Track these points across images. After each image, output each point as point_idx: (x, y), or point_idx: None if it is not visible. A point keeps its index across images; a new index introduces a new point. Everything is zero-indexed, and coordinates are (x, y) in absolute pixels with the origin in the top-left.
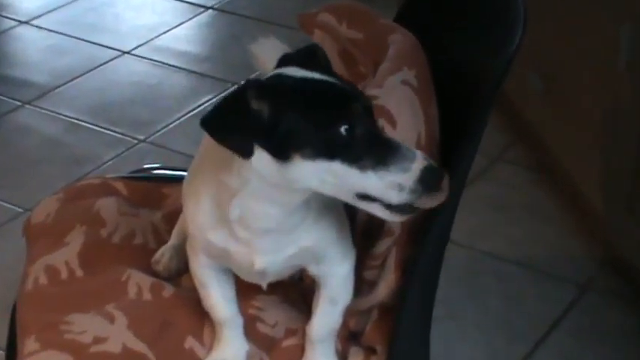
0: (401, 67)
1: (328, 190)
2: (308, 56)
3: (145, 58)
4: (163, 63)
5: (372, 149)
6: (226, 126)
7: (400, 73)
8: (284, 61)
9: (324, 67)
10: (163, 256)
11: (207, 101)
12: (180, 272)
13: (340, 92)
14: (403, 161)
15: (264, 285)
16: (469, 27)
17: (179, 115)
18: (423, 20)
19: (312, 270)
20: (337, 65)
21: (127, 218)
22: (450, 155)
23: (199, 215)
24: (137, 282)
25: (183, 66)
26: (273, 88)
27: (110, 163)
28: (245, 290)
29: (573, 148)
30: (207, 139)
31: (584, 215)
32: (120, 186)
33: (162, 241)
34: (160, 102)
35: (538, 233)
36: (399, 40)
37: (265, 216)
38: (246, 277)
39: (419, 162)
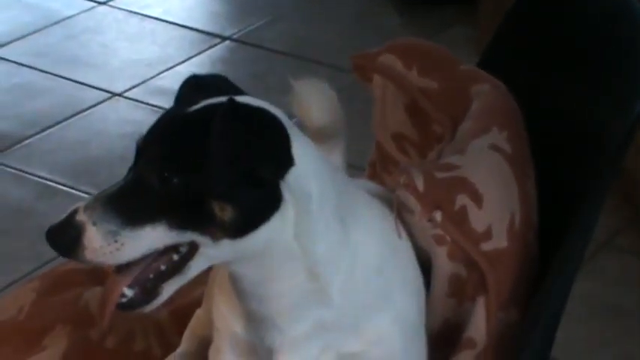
0: (489, 128)
1: None
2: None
3: (141, 102)
4: (165, 109)
5: None
6: None
7: (488, 135)
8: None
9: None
10: None
11: None
12: None
13: None
14: None
15: None
16: (579, 75)
17: None
18: (516, 67)
19: None
20: (404, 122)
21: (125, 315)
22: (552, 245)
23: (223, 302)
24: None
25: None
26: None
27: None
28: None
29: None
30: None
31: None
32: None
33: (169, 346)
34: None
35: None
36: (487, 91)
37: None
38: None
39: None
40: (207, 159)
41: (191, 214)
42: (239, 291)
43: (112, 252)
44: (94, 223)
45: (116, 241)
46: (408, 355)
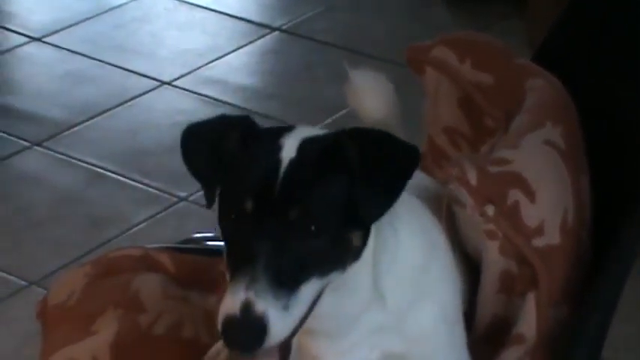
0: (543, 123)
1: None
2: None
3: (190, 91)
4: (214, 99)
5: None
6: None
7: (542, 130)
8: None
9: None
10: (219, 355)
11: None
12: None
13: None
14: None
15: None
16: (634, 72)
17: None
18: (572, 61)
19: None
20: (456, 116)
21: (174, 303)
22: (605, 243)
23: None
24: None
25: (240, 104)
26: None
27: (141, 226)
28: None
29: None
30: None
31: None
32: (165, 260)
33: (217, 335)
34: None
35: None
36: (541, 86)
37: None
38: None
39: (230, 301)
40: (362, 193)
41: (335, 255)
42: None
43: (287, 325)
44: (273, 307)
45: (289, 314)
46: (450, 351)
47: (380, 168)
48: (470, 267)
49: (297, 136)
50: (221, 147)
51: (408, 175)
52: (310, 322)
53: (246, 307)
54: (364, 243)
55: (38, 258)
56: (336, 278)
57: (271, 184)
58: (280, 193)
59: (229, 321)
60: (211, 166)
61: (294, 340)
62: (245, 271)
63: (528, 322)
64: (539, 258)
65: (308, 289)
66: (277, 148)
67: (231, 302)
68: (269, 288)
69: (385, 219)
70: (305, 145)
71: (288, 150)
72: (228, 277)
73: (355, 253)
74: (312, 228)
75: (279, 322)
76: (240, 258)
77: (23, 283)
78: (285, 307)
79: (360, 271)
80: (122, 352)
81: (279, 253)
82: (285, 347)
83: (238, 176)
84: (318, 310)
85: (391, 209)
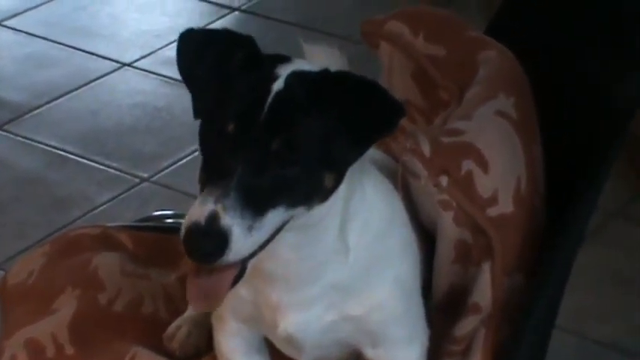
0: (495, 94)
1: None
2: None
3: (150, 72)
4: (174, 79)
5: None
6: None
7: (494, 101)
8: None
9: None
10: (179, 330)
11: None
12: (199, 352)
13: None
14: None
15: None
16: (588, 41)
17: (194, 147)
18: (524, 33)
19: (368, 354)
20: (411, 89)
21: (133, 280)
22: (559, 210)
23: None
24: None
25: None
26: None
27: (103, 207)
28: None
29: None
30: None
31: None
32: (124, 238)
33: (176, 311)
34: (169, 130)
35: None
36: (493, 58)
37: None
38: (285, 349)
39: (197, 210)
40: (340, 134)
41: (306, 189)
42: (268, 255)
43: (248, 246)
44: (238, 224)
45: (252, 235)
46: (407, 320)
47: (360, 115)
48: (425, 238)
49: (290, 69)
50: (226, 63)
51: (385, 129)
52: (273, 266)
53: (212, 218)
54: (334, 187)
55: (1, 240)
56: (300, 214)
57: (257, 112)
58: (264, 123)
59: (193, 228)
60: (209, 78)
61: (255, 288)
62: (218, 184)
63: (483, 292)
64: (493, 227)
65: (273, 217)
66: (271, 78)
67: (198, 211)
68: (238, 206)
69: (356, 177)
70: (293, 80)
71: (279, 82)
72: (199, 189)
73: (324, 194)
74: (290, 159)
75: (240, 240)
76: (215, 173)
77: None
78: (250, 229)
79: (328, 214)
80: (81, 331)
81: (254, 175)
82: (241, 268)
83: (229, 96)
84: (281, 252)
85: (363, 171)
